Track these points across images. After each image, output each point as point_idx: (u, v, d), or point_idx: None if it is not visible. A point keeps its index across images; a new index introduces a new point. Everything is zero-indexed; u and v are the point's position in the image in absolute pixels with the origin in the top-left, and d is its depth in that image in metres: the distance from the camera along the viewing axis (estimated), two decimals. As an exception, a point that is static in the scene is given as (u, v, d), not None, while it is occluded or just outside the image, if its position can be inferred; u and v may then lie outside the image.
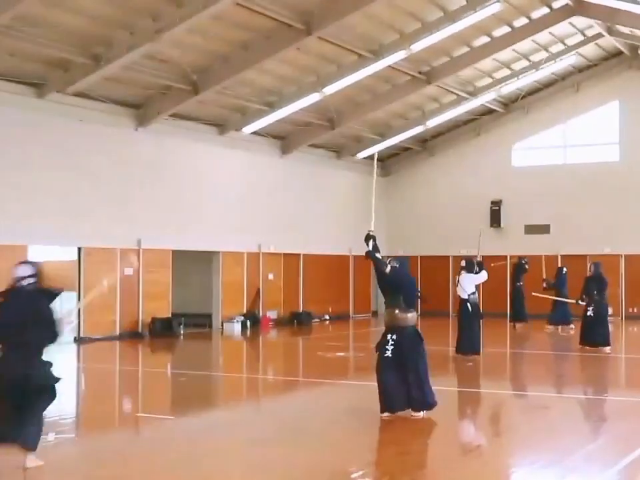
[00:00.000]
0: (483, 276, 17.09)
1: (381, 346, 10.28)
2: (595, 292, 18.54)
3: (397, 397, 10.15)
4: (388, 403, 10.17)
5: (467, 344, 16.73)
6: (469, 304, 16.83)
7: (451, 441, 9.38)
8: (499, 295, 27.22)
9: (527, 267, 24.64)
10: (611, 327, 19.13)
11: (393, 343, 10.14)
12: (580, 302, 18.80)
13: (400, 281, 10.40)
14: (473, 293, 16.93)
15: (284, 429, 9.95)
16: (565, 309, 23.27)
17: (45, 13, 16.58)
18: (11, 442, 7.75)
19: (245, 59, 20.19)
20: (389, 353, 10.14)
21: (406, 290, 10.36)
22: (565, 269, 24.23)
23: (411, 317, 10.30)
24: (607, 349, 18.21)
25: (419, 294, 11.19)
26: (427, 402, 10.24)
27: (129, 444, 9.48)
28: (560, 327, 23.51)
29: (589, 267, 19.26)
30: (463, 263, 17.11)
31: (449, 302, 30.54)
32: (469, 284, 16.82)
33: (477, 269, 16.99)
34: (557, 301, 23.34)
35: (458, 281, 16.92)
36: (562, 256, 27.48)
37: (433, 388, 10.32)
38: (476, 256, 18.15)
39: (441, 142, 31.21)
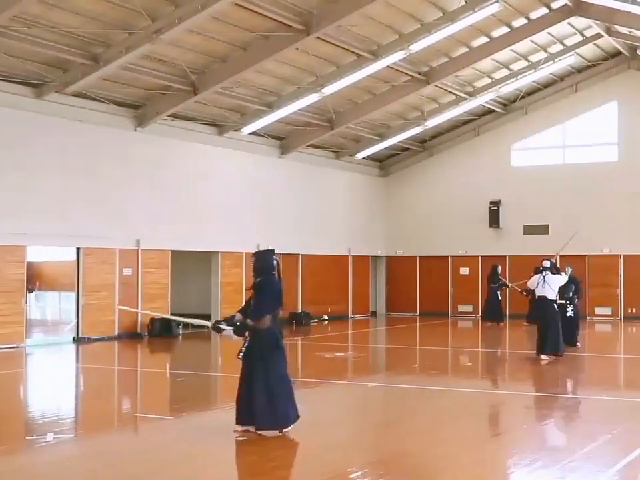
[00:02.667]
0: (565, 278, 17.21)
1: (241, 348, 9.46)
2: (572, 293, 18.84)
3: (242, 409, 9.28)
4: (236, 414, 9.36)
5: (556, 344, 16.59)
6: (555, 305, 16.82)
7: (451, 441, 9.37)
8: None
9: (499, 270, 27.05)
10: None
11: (246, 345, 9.34)
12: (568, 303, 18.97)
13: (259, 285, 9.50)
14: (557, 294, 16.94)
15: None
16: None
17: (44, 13, 16.58)
18: None
19: (244, 59, 20.19)
20: (241, 355, 9.34)
21: (262, 294, 9.46)
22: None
23: (265, 320, 9.37)
24: (578, 345, 18.86)
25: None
26: (260, 422, 9.13)
27: (128, 444, 9.47)
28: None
29: (566, 269, 19.30)
30: (547, 264, 16.91)
31: (448, 302, 30.63)
32: (555, 285, 16.77)
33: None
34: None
35: (544, 281, 16.66)
36: (561, 256, 27.52)
37: (285, 405, 9.23)
38: (554, 256, 18.00)
39: (439, 142, 31.21)
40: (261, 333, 9.32)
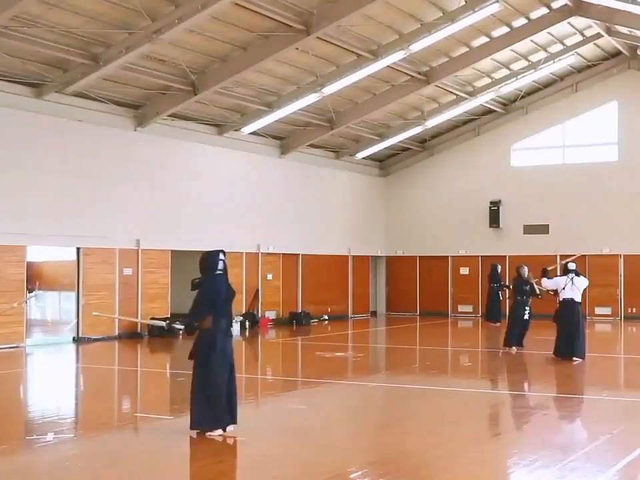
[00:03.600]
0: (587, 280, 17.29)
1: None
2: (525, 295, 18.61)
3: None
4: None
5: (584, 348, 16.55)
6: (580, 307, 16.87)
7: (451, 441, 9.37)
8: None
9: (499, 270, 27.03)
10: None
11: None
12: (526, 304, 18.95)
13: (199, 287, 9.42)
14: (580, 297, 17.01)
15: (282, 429, 9.94)
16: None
17: (44, 13, 16.59)
18: None
19: (244, 59, 20.20)
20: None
21: (199, 294, 9.31)
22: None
23: (207, 320, 9.19)
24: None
25: None
26: (192, 421, 9.19)
27: (128, 444, 9.47)
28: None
29: (521, 270, 19.04)
30: (573, 266, 16.83)
31: (448, 302, 30.63)
32: (582, 287, 16.80)
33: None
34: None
35: (572, 283, 16.58)
36: (561, 256, 27.56)
37: (221, 408, 9.17)
38: (555, 266, 17.94)
39: (440, 142, 31.21)
40: (203, 333, 9.23)
